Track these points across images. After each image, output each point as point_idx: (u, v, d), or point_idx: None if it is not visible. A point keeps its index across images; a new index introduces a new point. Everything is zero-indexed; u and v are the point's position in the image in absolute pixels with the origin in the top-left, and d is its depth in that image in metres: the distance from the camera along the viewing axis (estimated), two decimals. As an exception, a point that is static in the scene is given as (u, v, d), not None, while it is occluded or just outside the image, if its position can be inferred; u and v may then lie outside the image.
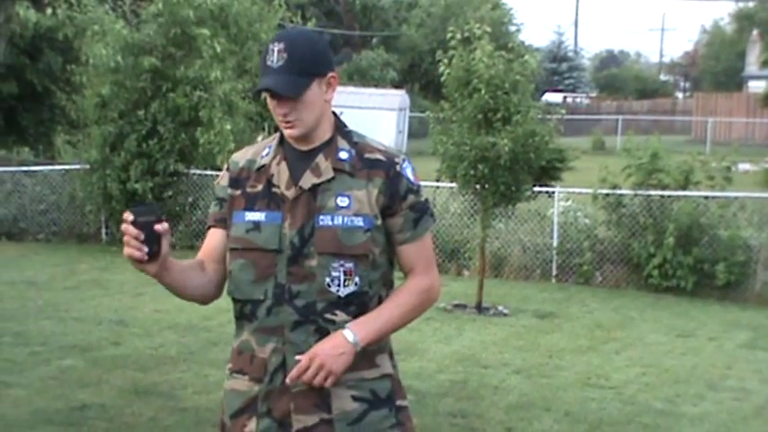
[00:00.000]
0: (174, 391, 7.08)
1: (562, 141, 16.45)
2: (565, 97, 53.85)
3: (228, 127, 13.87)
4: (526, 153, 10.39)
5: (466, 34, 10.88)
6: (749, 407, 7.38)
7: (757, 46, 49.57)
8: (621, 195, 12.68)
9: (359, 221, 2.85)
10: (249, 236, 2.89)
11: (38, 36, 19.45)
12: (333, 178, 2.88)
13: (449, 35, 10.96)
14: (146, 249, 2.74)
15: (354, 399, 2.88)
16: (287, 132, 2.90)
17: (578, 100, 56.99)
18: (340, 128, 2.99)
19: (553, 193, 13.50)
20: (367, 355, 2.88)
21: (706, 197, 12.39)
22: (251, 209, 2.91)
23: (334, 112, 3.00)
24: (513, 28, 53.02)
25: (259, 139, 17.84)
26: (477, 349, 8.82)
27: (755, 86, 45.48)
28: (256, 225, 2.89)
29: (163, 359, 7.98)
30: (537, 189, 12.57)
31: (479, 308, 10.64)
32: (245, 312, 2.94)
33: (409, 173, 2.94)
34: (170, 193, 14.34)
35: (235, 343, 3.01)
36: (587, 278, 12.73)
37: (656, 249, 12.11)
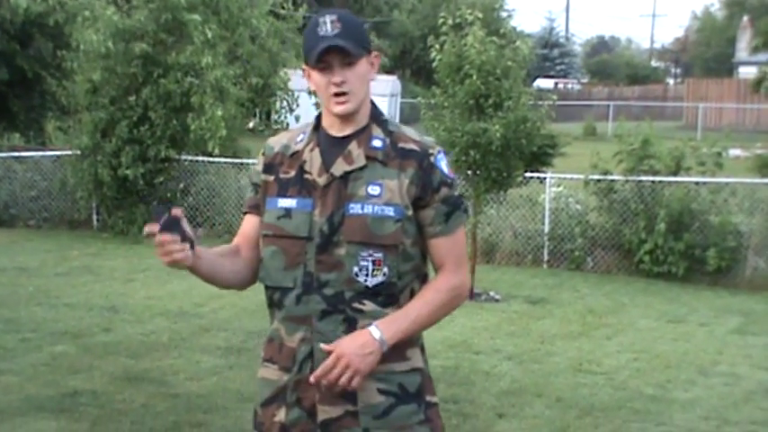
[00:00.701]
0: (165, 377, 7.08)
1: (553, 127, 16.45)
2: (556, 83, 53.82)
3: (220, 113, 13.84)
4: (518, 139, 10.39)
5: (457, 20, 10.87)
6: (740, 392, 7.40)
7: (747, 32, 49.58)
8: (613, 181, 12.69)
9: (389, 211, 2.80)
10: (280, 222, 2.86)
11: (28, 22, 19.33)
12: (365, 166, 2.83)
13: (440, 21, 10.95)
14: (188, 247, 2.73)
15: (381, 392, 2.82)
16: (339, 109, 2.83)
17: (570, 86, 56.98)
18: (376, 116, 2.94)
19: (545, 179, 13.51)
20: (397, 347, 2.82)
21: (697, 183, 12.41)
22: (283, 195, 2.88)
23: (371, 100, 2.96)
24: (504, 14, 52.97)
25: (250, 125, 17.84)
26: (469, 335, 8.83)
27: (746, 72, 45.48)
28: (287, 212, 2.85)
29: (154, 345, 7.98)
30: (528, 175, 12.59)
31: (471, 294, 10.64)
32: (274, 300, 2.91)
33: (443, 165, 2.89)
34: (161, 179, 14.32)
35: (268, 331, 2.98)
36: (579, 264, 12.75)
37: (648, 235, 12.12)
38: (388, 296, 2.83)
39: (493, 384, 7.26)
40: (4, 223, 14.83)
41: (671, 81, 72.77)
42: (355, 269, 2.79)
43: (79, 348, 7.78)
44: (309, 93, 16.58)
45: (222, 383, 6.95)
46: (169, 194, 14.43)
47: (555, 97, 12.98)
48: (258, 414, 2.96)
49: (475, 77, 10.31)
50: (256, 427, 2.97)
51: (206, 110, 13.87)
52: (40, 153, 15.64)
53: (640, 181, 12.46)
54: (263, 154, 3.00)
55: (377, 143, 2.87)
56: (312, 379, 2.76)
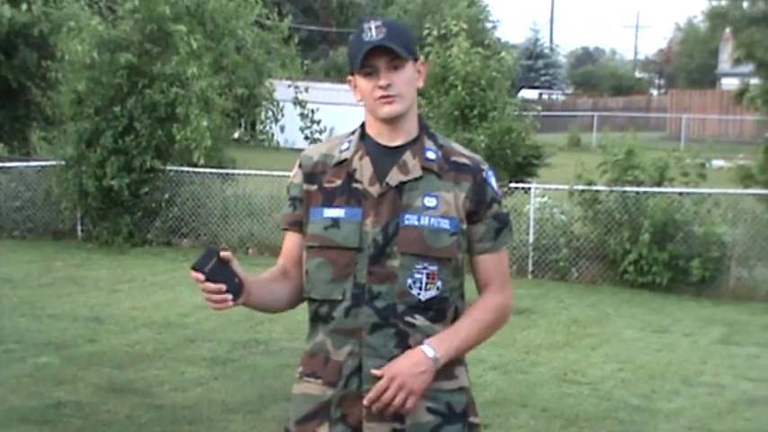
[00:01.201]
0: (150, 388, 7.06)
1: (538, 138, 16.47)
2: (541, 94, 53.92)
3: (205, 123, 13.83)
4: (503, 149, 10.44)
5: (442, 31, 10.93)
6: (724, 402, 7.42)
7: (730, 44, 49.68)
8: (597, 192, 12.71)
9: (445, 224, 2.77)
10: (327, 233, 2.78)
11: (13, 32, 19.29)
12: (420, 177, 2.78)
13: (425, 32, 11.00)
14: (230, 297, 2.65)
15: (429, 411, 2.77)
16: (386, 109, 2.77)
17: (554, 97, 57.18)
18: (425, 127, 2.89)
19: (529, 189, 13.52)
20: (446, 365, 2.78)
21: (681, 194, 12.45)
22: (329, 205, 2.80)
23: (419, 114, 2.92)
24: (489, 25, 53.18)
25: (235, 135, 17.84)
26: (454, 345, 8.82)
27: (728, 84, 45.64)
28: (335, 222, 2.78)
29: (139, 356, 7.96)
30: (513, 185, 12.62)
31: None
32: (320, 313, 2.82)
33: (493, 181, 2.88)
34: (146, 189, 14.28)
35: (307, 345, 2.89)
36: (563, 274, 12.76)
37: (632, 245, 12.15)
38: (439, 311, 2.79)
39: (478, 395, 7.20)
40: (-12, 234, 14.77)
41: (655, 92, 73.03)
42: (409, 281, 2.74)
43: (63, 359, 7.76)
44: (294, 103, 16.69)
45: (207, 394, 6.94)
46: (154, 205, 14.40)
47: (539, 108, 13.06)
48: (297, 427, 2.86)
49: (460, 88, 10.36)
50: None
51: (191, 120, 13.85)
52: (25, 163, 15.57)
53: (624, 191, 12.48)
54: (300, 165, 2.91)
55: (431, 155, 2.82)
56: (365, 402, 2.69)
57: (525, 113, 11.54)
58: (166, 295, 10.65)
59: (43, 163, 15.17)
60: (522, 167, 14.89)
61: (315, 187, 2.85)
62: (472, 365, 7.95)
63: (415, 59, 2.83)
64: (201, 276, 2.61)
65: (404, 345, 2.74)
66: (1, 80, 19.72)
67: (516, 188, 13.29)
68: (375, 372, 2.68)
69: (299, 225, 2.89)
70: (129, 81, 14.22)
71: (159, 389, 7.05)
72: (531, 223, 13.07)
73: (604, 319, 10.51)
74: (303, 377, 2.88)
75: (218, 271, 2.64)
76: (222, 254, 2.64)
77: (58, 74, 14.72)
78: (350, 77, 2.84)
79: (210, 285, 2.61)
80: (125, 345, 8.34)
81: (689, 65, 64.10)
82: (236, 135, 18.61)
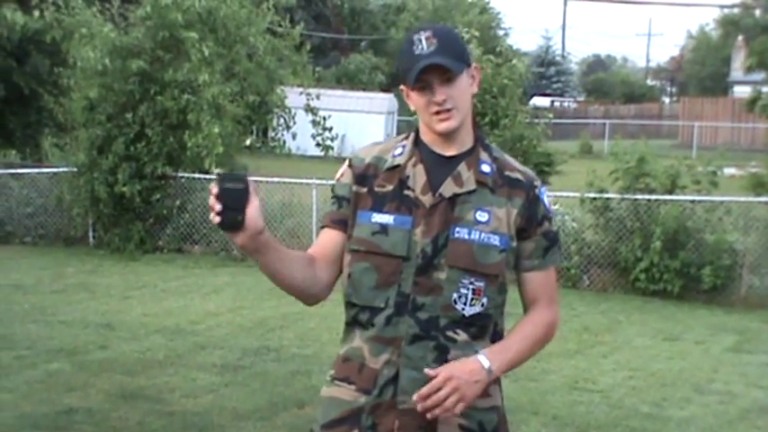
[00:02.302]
0: (161, 395, 7.07)
1: (550, 145, 16.46)
2: (552, 101, 53.92)
3: (216, 130, 13.84)
4: (514, 157, 10.40)
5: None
6: (735, 410, 7.40)
7: (742, 51, 49.68)
8: (609, 199, 12.69)
9: (495, 240, 2.72)
10: (375, 239, 2.73)
11: (25, 39, 19.39)
12: (474, 191, 2.73)
13: (437, 39, 10.99)
14: (217, 219, 2.54)
15: (462, 428, 2.73)
16: (442, 126, 2.71)
17: (566, 104, 57.10)
18: (481, 138, 2.85)
19: (541, 196, 13.48)
20: None
21: (692, 201, 12.42)
22: (379, 210, 2.75)
23: (475, 121, 2.86)
24: (501, 32, 53.24)
25: (247, 142, 17.86)
26: (465, 353, 8.81)
27: (740, 91, 45.59)
28: (384, 228, 2.73)
29: (150, 363, 7.96)
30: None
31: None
32: (360, 319, 2.78)
33: (546, 199, 2.84)
34: (158, 196, 14.30)
35: (342, 349, 2.84)
36: (574, 282, 12.74)
37: (643, 253, 12.13)
38: (481, 328, 2.76)
39: (489, 402, 7.24)
40: (0, 240, 14.80)
41: (666, 100, 73.01)
42: (454, 296, 2.69)
43: (75, 366, 7.77)
44: (306, 110, 16.70)
45: (218, 401, 6.94)
46: (165, 211, 14.42)
47: (551, 115, 13.04)
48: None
49: (471, 95, 10.35)
50: None
51: (203, 127, 13.87)
52: (37, 170, 15.62)
53: (636, 199, 12.46)
54: (351, 165, 2.85)
55: (486, 168, 2.78)
56: (415, 397, 2.62)
57: (537, 121, 11.53)
58: (178, 302, 10.66)
59: (55, 169, 15.21)
60: (533, 175, 14.85)
61: (365, 190, 2.79)
62: (483, 373, 7.91)
63: (469, 66, 2.77)
64: (215, 189, 2.53)
65: (442, 359, 2.70)
66: (13, 87, 19.82)
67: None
68: (429, 371, 2.63)
69: (343, 224, 2.82)
70: (141, 88, 14.25)
71: (170, 395, 7.06)
72: (543, 231, 13.02)
73: (616, 326, 10.49)
74: (335, 381, 2.83)
75: (232, 195, 2.56)
76: (251, 188, 2.57)
77: (70, 80, 14.75)
78: (402, 87, 2.80)
79: (212, 199, 2.53)
80: (136, 351, 8.34)
81: (701, 73, 64.05)
82: (247, 142, 18.59)
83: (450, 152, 2.77)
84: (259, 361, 8.16)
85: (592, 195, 12.77)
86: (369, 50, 46.79)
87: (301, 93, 16.59)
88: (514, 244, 2.77)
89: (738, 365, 8.91)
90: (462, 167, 2.76)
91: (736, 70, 50.26)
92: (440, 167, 2.76)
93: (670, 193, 12.55)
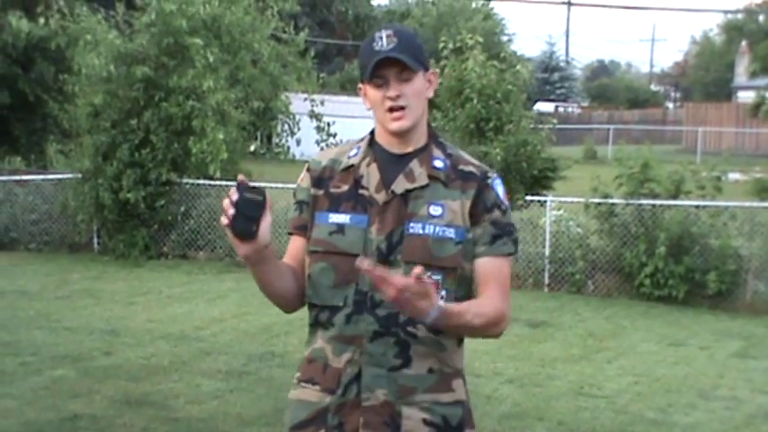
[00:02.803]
0: (166, 401, 7.07)
1: (554, 151, 16.45)
2: (556, 107, 53.96)
3: (221, 136, 13.86)
4: (518, 162, 10.43)
5: (458, 44, 10.93)
6: (740, 416, 7.39)
7: (746, 57, 49.76)
8: (613, 204, 12.69)
9: (450, 232, 2.74)
10: (332, 239, 2.77)
11: (30, 46, 19.43)
12: (426, 185, 2.77)
13: (441, 45, 11.01)
14: (225, 221, 2.63)
15: (426, 423, 2.75)
16: (395, 125, 2.76)
17: (570, 109, 57.11)
18: (434, 136, 2.88)
19: (545, 202, 13.50)
20: (444, 377, 2.79)
21: (697, 206, 12.41)
22: (335, 210, 2.80)
23: (428, 120, 2.90)
24: (504, 38, 53.23)
25: (251, 148, 17.88)
26: (470, 358, 8.75)
27: (744, 97, 45.59)
28: (340, 228, 2.77)
29: (155, 369, 7.97)
30: (529, 198, 12.60)
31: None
32: (320, 319, 2.81)
33: (500, 190, 2.84)
34: (162, 202, 14.32)
35: (306, 351, 2.89)
36: (579, 287, 12.74)
37: (648, 258, 12.12)
38: None
39: (494, 408, 7.24)
40: (5, 246, 14.82)
41: (670, 105, 72.94)
42: None
43: (79, 372, 7.77)
44: (311, 116, 16.72)
45: (223, 407, 6.94)
46: (170, 217, 14.44)
47: (555, 121, 13.04)
48: None
49: (475, 101, 10.36)
50: None
51: (207, 133, 13.88)
52: (42, 176, 15.65)
53: (640, 204, 12.46)
54: (309, 169, 2.90)
55: (438, 163, 2.81)
56: (362, 263, 2.50)
57: (541, 126, 11.52)
58: (182, 308, 10.67)
59: (60, 176, 15.23)
60: (537, 180, 14.88)
61: (321, 192, 2.84)
62: (488, 378, 7.96)
63: (426, 69, 2.83)
64: (235, 196, 2.61)
65: (404, 355, 2.73)
66: (18, 93, 19.86)
67: (532, 201, 13.27)
68: (370, 267, 2.50)
69: (304, 229, 2.87)
70: (146, 94, 14.28)
71: (175, 402, 7.06)
72: (547, 236, 13.05)
73: (620, 332, 10.48)
74: (301, 383, 2.87)
75: (250, 205, 2.62)
76: (268, 203, 2.63)
77: (74, 87, 14.78)
78: (360, 85, 2.85)
79: (227, 203, 2.61)
80: (141, 357, 8.35)
81: (705, 78, 64.04)
82: (252, 148, 18.62)
83: (403, 150, 2.82)
84: (264, 367, 8.15)
85: (596, 201, 12.77)
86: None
87: (305, 99, 16.62)
88: (470, 236, 2.78)
89: (744, 371, 8.90)
90: (414, 164, 2.80)
91: (740, 75, 50.28)
92: (392, 165, 2.80)
93: (674, 198, 12.54)
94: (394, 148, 2.82)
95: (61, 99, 16.60)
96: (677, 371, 8.76)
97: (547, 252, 12.99)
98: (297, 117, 17.43)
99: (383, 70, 2.74)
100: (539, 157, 11.03)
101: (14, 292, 11.33)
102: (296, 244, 2.90)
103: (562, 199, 13.85)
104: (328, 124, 16.84)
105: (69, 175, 14.85)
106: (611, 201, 12.71)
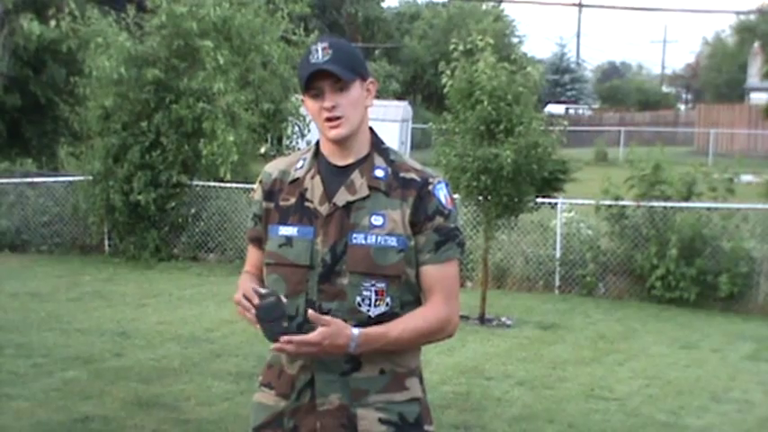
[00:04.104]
0: (176, 402, 7.07)
1: (565, 152, 16.44)
2: (567, 109, 53.84)
3: (231, 138, 13.87)
4: (529, 164, 10.39)
5: (468, 46, 10.89)
6: (753, 419, 7.36)
7: (758, 58, 49.62)
8: (624, 207, 12.67)
9: (392, 241, 2.81)
10: (281, 251, 2.87)
11: (41, 48, 19.47)
12: (367, 196, 2.84)
13: (451, 47, 10.97)
14: (250, 308, 2.80)
15: (382, 421, 2.84)
16: (332, 133, 2.84)
17: (581, 111, 57.04)
18: (377, 144, 2.95)
19: (556, 204, 13.49)
20: (397, 377, 2.86)
21: (709, 209, 12.39)
22: (284, 223, 2.89)
23: (371, 128, 2.96)
24: (515, 40, 53.17)
25: (262, 150, 17.89)
26: (481, 361, 8.81)
27: (757, 98, 45.51)
28: (288, 240, 2.86)
29: (165, 371, 7.97)
30: (540, 200, 12.58)
31: (482, 319, 10.63)
32: None
33: (442, 195, 2.88)
34: (173, 204, 14.34)
35: (268, 355, 3.00)
36: (590, 289, 12.71)
37: (659, 260, 12.09)
38: None
39: (504, 410, 7.23)
40: (17, 248, 14.86)
41: (682, 107, 72.81)
42: (358, 299, 2.80)
43: (90, 374, 7.78)
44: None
45: (233, 409, 6.94)
46: (180, 220, 14.46)
47: (566, 122, 12.97)
48: None
49: (486, 103, 10.32)
50: None
51: (218, 135, 13.90)
52: (53, 178, 15.68)
53: (652, 206, 12.44)
54: (261, 182, 3.00)
55: (379, 173, 2.87)
56: (282, 339, 2.71)
57: (552, 128, 11.46)
58: (193, 310, 10.68)
59: (71, 178, 15.27)
60: (548, 182, 14.84)
61: (272, 205, 2.95)
62: (498, 380, 7.94)
63: (364, 79, 2.88)
64: (252, 311, 2.78)
65: (354, 359, 2.81)
66: (29, 96, 19.91)
67: (543, 203, 13.25)
68: (312, 315, 2.72)
69: (259, 241, 2.99)
70: (156, 96, 14.30)
71: (186, 403, 7.06)
72: (558, 238, 13.04)
73: (632, 334, 10.46)
74: (261, 386, 3.01)
75: (267, 311, 2.78)
76: (281, 298, 2.79)
77: (85, 89, 14.81)
78: (302, 97, 2.91)
79: (246, 304, 2.79)
80: (152, 359, 8.36)
81: (717, 79, 63.85)
82: (262, 150, 18.62)
83: (345, 161, 2.89)
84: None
85: (607, 203, 12.75)
86: (383, 58, 46.78)
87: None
88: (412, 243, 2.84)
89: (756, 374, 8.87)
90: (355, 175, 2.87)
91: (753, 77, 50.13)
92: (335, 177, 2.88)
93: (686, 200, 12.52)
94: (336, 158, 2.90)
95: (72, 101, 16.64)
96: (689, 373, 8.74)
97: (558, 254, 12.98)
98: (307, 119, 17.42)
99: (318, 82, 2.82)
100: (549, 158, 10.97)
101: (26, 293, 11.36)
102: (254, 254, 3.04)
103: (573, 201, 13.84)
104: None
105: (80, 178, 14.89)
106: (622, 203, 12.69)
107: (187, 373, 7.94)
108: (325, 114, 2.83)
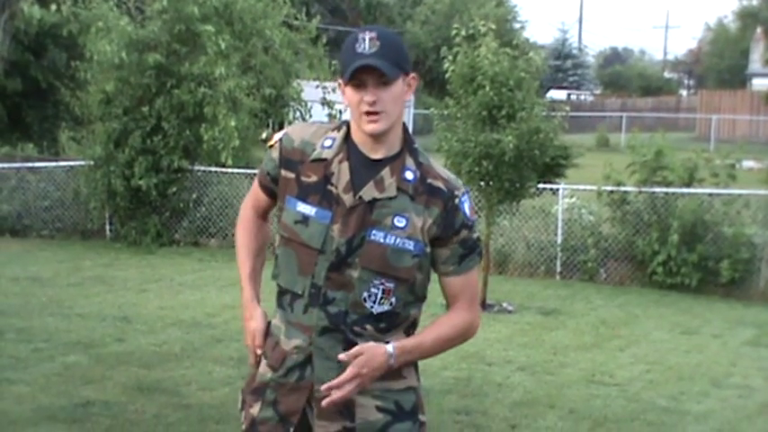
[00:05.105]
0: (178, 387, 7.07)
1: (566, 138, 16.41)
2: (569, 94, 53.78)
3: (233, 123, 13.86)
4: (531, 150, 10.38)
5: (470, 31, 10.87)
6: (753, 404, 7.37)
7: (761, 44, 49.48)
8: (626, 192, 12.66)
9: (410, 245, 2.80)
10: (296, 227, 2.85)
11: (42, 33, 19.44)
12: (394, 197, 2.81)
13: (453, 32, 10.95)
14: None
15: (379, 409, 2.85)
16: (370, 128, 2.79)
17: (582, 97, 56.96)
18: (409, 143, 2.90)
19: (557, 190, 13.48)
20: None
21: (710, 194, 12.38)
22: (303, 200, 2.85)
23: (404, 123, 2.92)
24: (517, 25, 53.02)
25: (263, 135, 17.87)
26: (482, 346, 8.80)
27: (759, 84, 45.39)
28: (305, 219, 2.84)
29: (167, 356, 7.97)
30: (541, 186, 12.56)
31: (484, 305, 10.62)
32: (283, 301, 2.91)
33: (466, 207, 2.88)
34: (174, 189, 14.34)
35: (271, 321, 3.00)
36: (591, 275, 12.72)
37: (661, 246, 12.09)
38: (390, 322, 2.85)
39: (506, 395, 7.24)
40: (18, 233, 14.86)
41: (684, 92, 72.62)
42: (365, 294, 2.80)
43: (92, 358, 7.78)
44: (322, 104, 16.69)
45: (235, 394, 6.89)
46: (182, 205, 14.45)
47: (568, 108, 12.94)
48: (244, 398, 3.06)
49: (488, 88, 10.30)
50: (242, 408, 3.07)
51: (219, 120, 13.89)
52: (54, 163, 15.67)
53: (653, 192, 12.43)
54: (281, 141, 2.94)
55: (409, 175, 2.84)
56: (323, 387, 2.76)
57: (553, 114, 11.44)
58: (194, 295, 10.68)
59: (72, 163, 15.26)
60: (550, 168, 14.82)
61: (292, 176, 2.89)
62: (499, 366, 7.94)
63: (407, 74, 2.84)
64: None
65: (353, 347, 2.81)
66: (30, 80, 19.88)
67: (544, 189, 13.25)
68: (342, 357, 2.74)
69: (268, 190, 3.00)
70: (158, 81, 14.28)
71: (187, 388, 7.06)
72: (560, 224, 13.04)
73: (633, 320, 10.46)
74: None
75: None
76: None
77: (86, 74, 14.80)
78: (339, 81, 2.86)
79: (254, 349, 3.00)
80: (153, 344, 8.36)
81: (719, 65, 63.67)
82: (263, 135, 18.61)
83: (376, 155, 2.85)
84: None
85: (609, 188, 12.75)
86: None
87: (317, 86, 16.59)
88: (428, 250, 2.85)
89: (757, 359, 8.87)
90: (386, 172, 2.83)
91: (755, 63, 50.01)
92: (364, 169, 2.84)
93: (688, 186, 12.51)
94: (367, 149, 2.85)
95: (73, 86, 16.64)
96: (690, 359, 8.74)
97: (559, 240, 12.98)
98: (309, 104, 17.39)
99: (362, 74, 2.76)
100: (551, 144, 10.96)
101: (27, 278, 11.36)
102: (260, 196, 3.06)
103: (574, 187, 13.82)
104: (340, 111, 16.81)
105: (81, 162, 14.88)
106: (623, 189, 12.69)
107: (188, 358, 7.94)
108: (365, 108, 2.77)
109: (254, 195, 3.08)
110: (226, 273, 11.88)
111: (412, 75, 2.87)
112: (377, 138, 2.82)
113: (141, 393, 6.86)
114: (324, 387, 2.75)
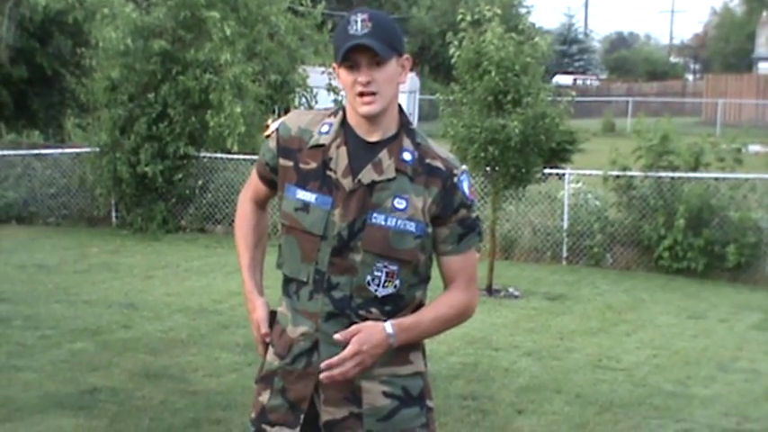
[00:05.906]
0: (184, 374, 7.09)
1: (572, 123, 16.37)
2: (575, 79, 53.67)
3: (238, 110, 13.85)
4: (536, 135, 10.36)
5: (476, 16, 10.84)
6: (760, 388, 7.36)
7: (767, 28, 49.32)
8: (632, 177, 12.65)
9: (411, 227, 2.80)
10: (297, 215, 2.85)
11: (47, 20, 19.43)
12: (393, 178, 2.81)
13: (459, 17, 10.92)
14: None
15: (386, 395, 2.85)
16: (364, 109, 2.79)
17: (588, 82, 56.84)
18: (405, 124, 2.91)
19: (563, 175, 13.47)
20: (401, 351, 2.85)
21: (716, 179, 12.36)
22: (303, 187, 2.85)
23: (399, 105, 2.92)
24: (523, 10, 52.79)
25: (269, 121, 17.87)
26: (488, 331, 8.81)
27: (765, 68, 45.31)
28: (305, 205, 2.84)
29: (173, 342, 7.98)
30: (547, 171, 12.55)
31: (490, 290, 10.63)
32: (289, 289, 2.92)
33: (465, 186, 2.88)
34: (180, 176, 14.34)
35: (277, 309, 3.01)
36: (598, 260, 12.71)
37: (667, 231, 12.08)
38: (395, 305, 2.84)
39: (512, 380, 7.24)
40: (24, 220, 14.88)
41: (690, 77, 72.44)
42: (368, 278, 2.80)
43: (98, 345, 7.80)
44: (328, 89, 16.68)
45: (241, 380, 6.95)
46: (188, 191, 14.46)
47: (574, 93, 12.89)
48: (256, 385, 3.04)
49: (494, 74, 10.28)
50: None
51: (225, 107, 13.88)
52: (60, 150, 15.67)
53: (659, 177, 12.41)
54: (278, 131, 2.95)
55: (407, 156, 2.84)
56: (323, 365, 2.76)
57: (559, 99, 11.42)
58: (200, 281, 10.69)
59: (78, 150, 15.26)
60: (556, 153, 14.79)
61: (291, 164, 2.90)
62: (506, 351, 7.94)
63: (400, 55, 2.84)
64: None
65: None
66: (36, 67, 19.87)
67: (550, 174, 13.23)
68: (338, 337, 2.74)
69: (266, 180, 3.02)
70: (163, 68, 14.27)
71: (193, 375, 7.08)
72: (566, 209, 13.02)
73: (639, 305, 10.46)
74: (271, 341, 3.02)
75: None
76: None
77: (92, 61, 14.78)
78: (334, 65, 2.86)
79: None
80: (159, 331, 8.37)
81: (725, 49, 63.50)
82: (269, 121, 18.63)
83: (373, 137, 2.85)
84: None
85: (615, 173, 12.73)
86: (390, 29, 46.56)
87: (323, 72, 16.56)
88: (430, 230, 2.84)
89: (763, 343, 8.87)
90: (384, 155, 2.83)
91: (761, 47, 49.87)
92: (362, 152, 2.84)
93: (694, 170, 12.49)
94: (363, 131, 2.85)
95: (79, 73, 16.61)
96: (696, 343, 8.74)
97: (565, 225, 12.97)
98: (314, 90, 17.38)
99: (355, 55, 2.77)
100: (557, 129, 10.93)
101: (33, 265, 11.38)
102: (259, 185, 3.09)
103: (580, 172, 13.80)
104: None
105: (87, 149, 14.89)
106: (629, 173, 12.67)
107: (195, 344, 7.95)
108: (359, 89, 2.77)
109: (252, 186, 3.11)
110: (232, 259, 11.86)
111: (405, 56, 2.87)
112: (372, 120, 2.82)
113: (148, 380, 6.87)
114: (323, 364, 2.75)
